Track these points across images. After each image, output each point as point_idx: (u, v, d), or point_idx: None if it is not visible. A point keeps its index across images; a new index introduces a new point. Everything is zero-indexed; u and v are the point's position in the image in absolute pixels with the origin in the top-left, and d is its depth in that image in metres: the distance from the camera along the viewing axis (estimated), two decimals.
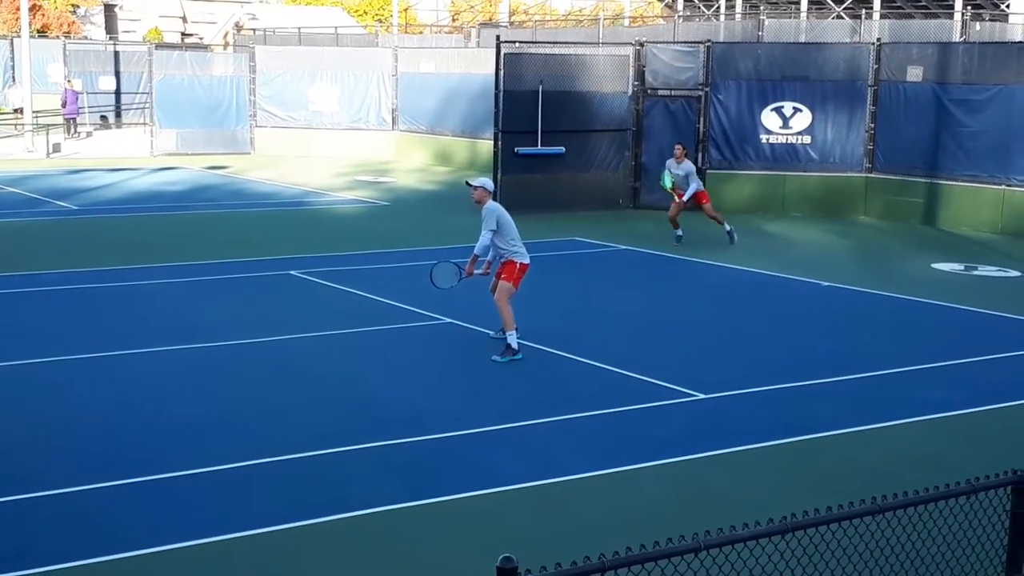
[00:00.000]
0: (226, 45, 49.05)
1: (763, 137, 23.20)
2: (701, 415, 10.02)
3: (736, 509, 7.48)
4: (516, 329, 11.65)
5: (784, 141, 23.18)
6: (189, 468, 8.31)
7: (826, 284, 15.97)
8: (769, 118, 23.13)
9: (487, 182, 12.15)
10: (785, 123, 23.08)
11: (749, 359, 11.95)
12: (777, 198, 23.39)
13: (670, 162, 19.11)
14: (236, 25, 59.37)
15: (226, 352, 11.83)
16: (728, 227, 19.12)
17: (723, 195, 23.38)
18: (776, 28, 30.50)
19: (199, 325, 12.91)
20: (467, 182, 12.27)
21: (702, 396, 10.45)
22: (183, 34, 73.54)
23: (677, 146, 19.32)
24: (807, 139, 23.06)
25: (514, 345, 11.59)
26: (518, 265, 11.80)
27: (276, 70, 33.41)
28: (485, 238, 11.70)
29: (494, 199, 12.04)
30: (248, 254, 17.51)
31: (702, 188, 19.39)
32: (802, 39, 29.12)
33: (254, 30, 50.41)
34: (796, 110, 23.02)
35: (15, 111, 36.08)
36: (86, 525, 7.31)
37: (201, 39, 67.75)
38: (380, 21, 61.57)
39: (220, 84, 33.14)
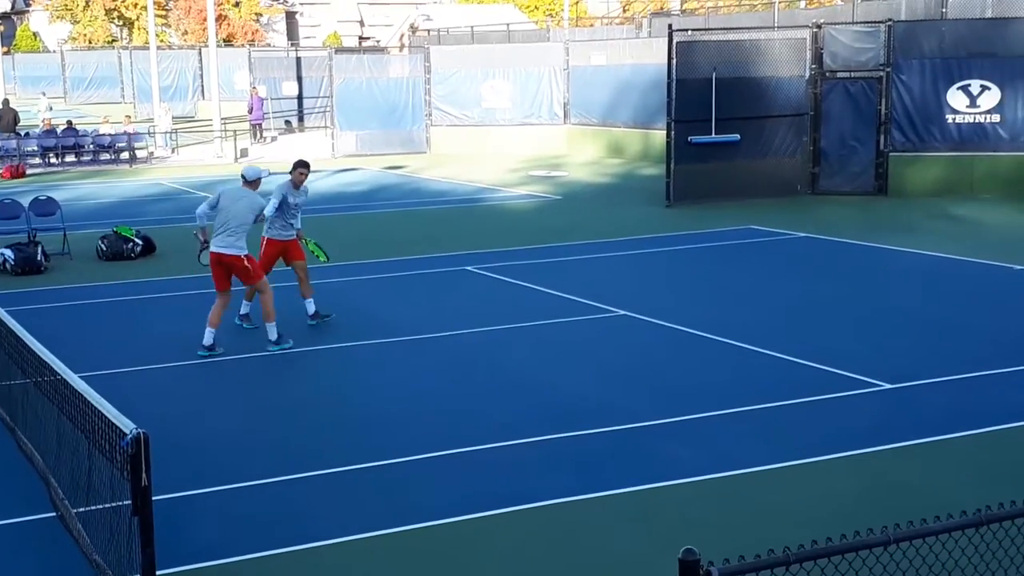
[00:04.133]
0: (402, 47, 50.10)
1: (949, 117, 22.33)
2: (888, 405, 9.72)
3: (926, 502, 7.24)
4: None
5: (972, 120, 22.26)
6: (374, 460, 8.53)
7: (1019, 268, 15.27)
8: (955, 97, 22.25)
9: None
10: (973, 102, 22.16)
11: (937, 347, 11.54)
12: (965, 180, 22.48)
13: None
14: (411, 27, 60.59)
15: (407, 347, 12.09)
16: None
17: (907, 178, 22.64)
18: (961, 3, 29.25)
19: (382, 321, 13.22)
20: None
21: (888, 386, 10.14)
22: (360, 38, 75.45)
23: None
24: (996, 118, 22.09)
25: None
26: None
27: (450, 69, 33.91)
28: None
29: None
30: (426, 251, 17.84)
31: None
32: (988, 14, 27.85)
33: (428, 31, 51.35)
34: (984, 88, 22.07)
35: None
36: (283, 514, 7.58)
37: (378, 42, 69.36)
38: (551, 15, 61.81)
39: (397, 85, 33.83)
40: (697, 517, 7.45)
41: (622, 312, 13.26)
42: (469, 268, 16.23)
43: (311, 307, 12.91)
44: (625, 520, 7.42)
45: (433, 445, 8.81)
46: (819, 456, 8.44)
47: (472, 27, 45.40)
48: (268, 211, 12.17)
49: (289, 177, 12.82)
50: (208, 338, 11.57)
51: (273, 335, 11.82)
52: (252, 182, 11.99)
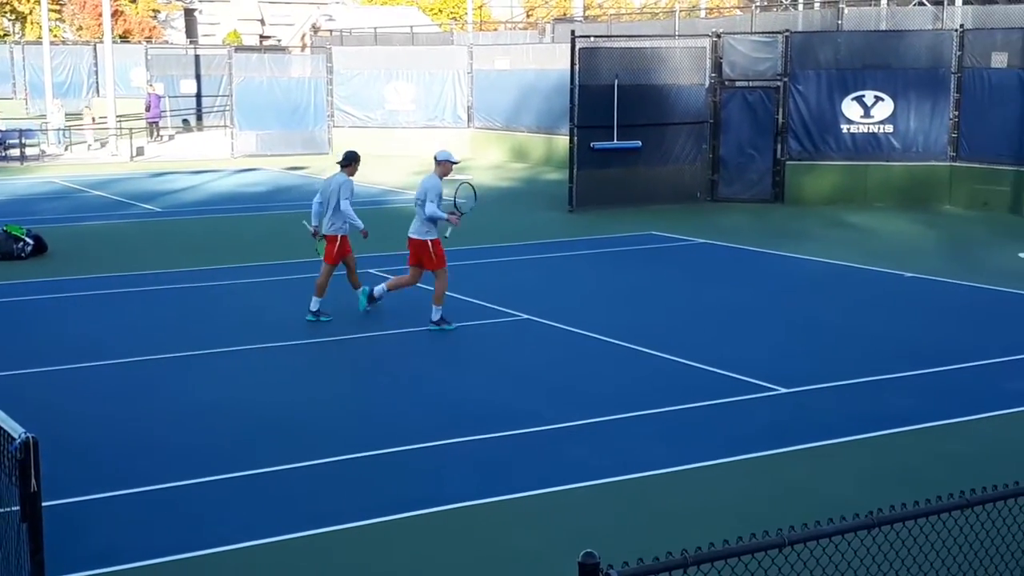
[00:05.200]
0: (303, 47, 49.62)
1: (844, 127, 22.86)
2: (784, 410, 9.90)
3: (821, 504, 7.39)
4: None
5: (866, 130, 22.82)
6: (276, 465, 8.43)
7: (909, 275, 15.69)
8: (850, 107, 22.79)
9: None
10: (867, 112, 22.73)
11: (832, 352, 11.79)
12: (859, 189, 23.04)
13: None
14: (313, 27, 60.05)
15: (308, 351, 11.97)
16: None
17: (803, 186, 23.11)
18: (856, 16, 29.98)
19: (281, 324, 13.06)
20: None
21: (784, 390, 10.33)
22: (261, 36, 74.53)
23: None
24: (889, 128, 22.68)
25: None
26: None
27: (353, 70, 33.71)
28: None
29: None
30: None
31: None
32: (883, 27, 28.59)
33: (331, 31, 50.92)
34: (878, 99, 22.65)
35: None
36: (178, 520, 7.44)
37: (279, 41, 68.61)
38: (455, 19, 61.81)
39: (298, 85, 33.51)
40: (598, 520, 7.50)
41: (525, 316, 13.30)
42: (372, 271, 16.13)
43: (371, 293, 13.20)
44: (527, 523, 7.44)
45: (335, 449, 8.73)
46: (717, 459, 8.56)
47: (375, 28, 45.14)
48: (429, 211, 12.42)
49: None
50: (435, 314, 12.50)
51: (435, 316, 12.56)
52: (439, 163, 12.65)
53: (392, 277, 13.56)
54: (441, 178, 12.68)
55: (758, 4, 37.05)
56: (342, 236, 12.94)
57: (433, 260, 12.50)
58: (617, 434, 9.21)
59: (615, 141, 22.34)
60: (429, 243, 12.45)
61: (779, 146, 23.09)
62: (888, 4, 31.50)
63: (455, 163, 12.85)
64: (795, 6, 36.26)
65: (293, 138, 33.37)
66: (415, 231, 12.59)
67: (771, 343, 12.23)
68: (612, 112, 22.19)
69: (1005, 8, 31.27)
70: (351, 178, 13.08)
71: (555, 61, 29.71)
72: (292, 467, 8.42)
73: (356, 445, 8.84)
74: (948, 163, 22.45)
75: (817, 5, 35.89)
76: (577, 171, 22.27)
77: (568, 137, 22.99)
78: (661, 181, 23.03)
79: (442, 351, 12.01)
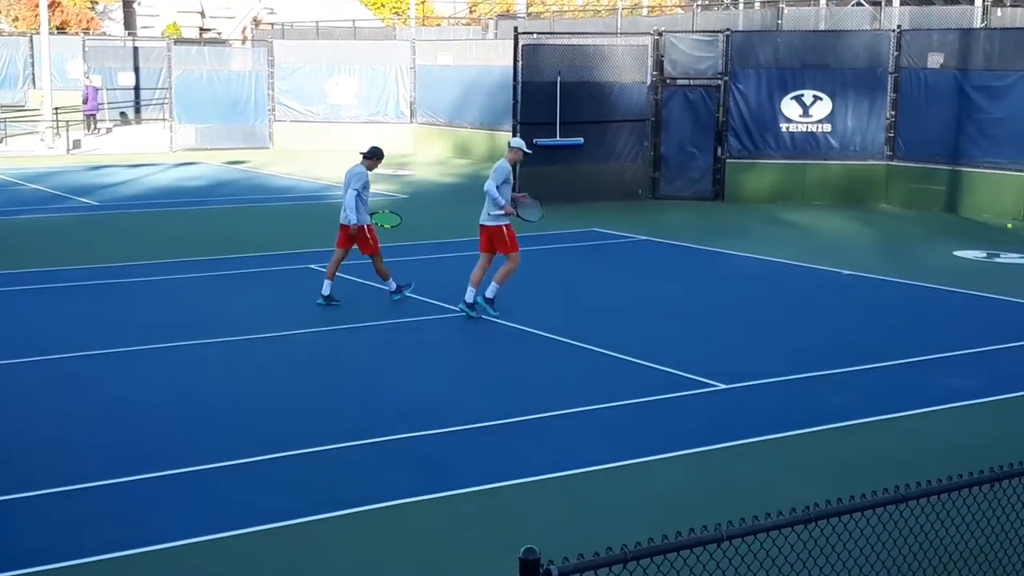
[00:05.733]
0: (244, 40, 49.14)
1: (783, 126, 23.10)
2: (723, 405, 9.99)
3: (759, 499, 7.47)
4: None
5: (804, 130, 23.07)
6: (209, 463, 8.34)
7: (847, 273, 15.90)
8: (789, 107, 23.03)
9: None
10: (805, 111, 22.98)
11: (770, 349, 11.92)
12: (798, 187, 23.30)
13: None
14: (254, 20, 59.48)
15: (246, 347, 11.87)
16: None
17: (743, 184, 23.33)
18: (796, 16, 30.33)
19: (220, 320, 12.95)
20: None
21: (723, 386, 10.43)
22: (201, 29, 73.67)
23: None
24: (827, 127, 22.95)
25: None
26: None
27: (294, 64, 33.48)
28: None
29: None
30: (268, 248, 17.55)
31: None
32: (822, 27, 28.94)
33: (272, 24, 50.54)
34: (816, 98, 22.91)
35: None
36: (103, 520, 7.34)
37: (219, 34, 67.89)
38: (397, 14, 61.58)
39: (239, 79, 33.21)
40: (539, 516, 7.51)
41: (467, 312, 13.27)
42: (313, 266, 16.03)
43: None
44: (467, 520, 7.43)
45: (273, 446, 8.66)
46: (657, 455, 8.61)
47: (317, 22, 44.86)
48: (492, 193, 12.83)
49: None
50: (490, 291, 12.99)
51: (491, 292, 13.07)
52: (512, 150, 13.25)
53: (483, 274, 13.25)
54: (512, 164, 13.16)
55: (699, 3, 37.32)
56: (367, 226, 13.44)
57: (507, 244, 12.96)
58: (558, 430, 9.23)
59: (558, 138, 22.39)
60: (504, 228, 12.92)
61: (720, 144, 23.28)
62: (827, 4, 31.88)
63: (528, 152, 13.45)
64: (735, 5, 36.57)
65: (233, 132, 33.07)
66: (487, 218, 12.97)
67: (711, 340, 12.33)
68: (555, 109, 22.23)
69: (941, 9, 31.78)
70: (368, 172, 13.58)
71: (498, 57, 29.72)
72: (224, 465, 8.33)
73: (291, 442, 8.77)
74: (885, 162, 22.77)
75: (757, 5, 36.23)
76: (520, 167, 22.25)
77: (511, 134, 22.99)
78: (603, 178, 23.12)
79: (383, 347, 11.97)
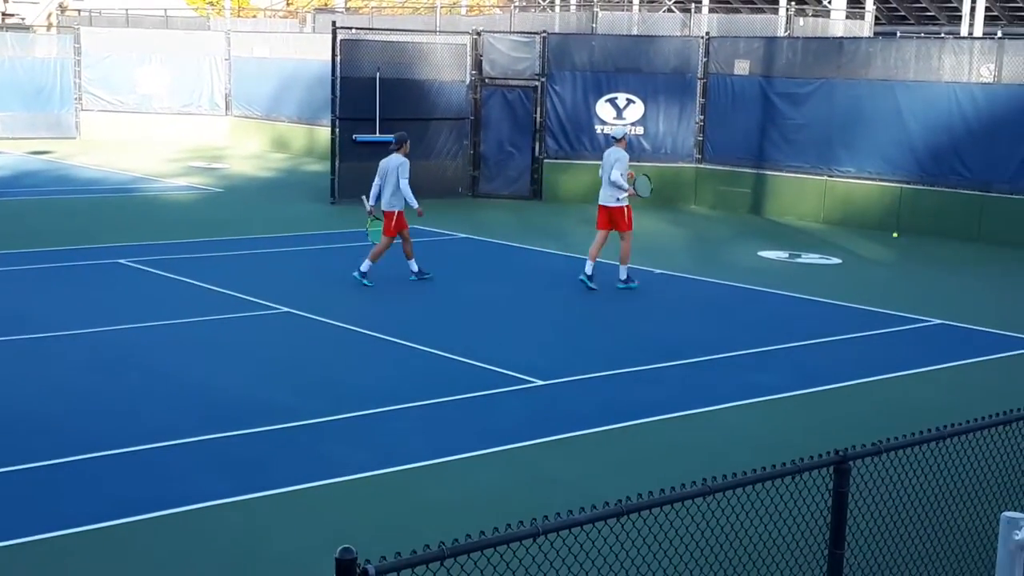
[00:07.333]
0: (50, 26, 47.13)
1: (598, 127, 23.56)
2: (539, 401, 10.14)
3: (574, 494, 7.61)
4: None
5: None
6: (14, 464, 8.00)
7: (658, 272, 16.34)
8: (604, 109, 23.51)
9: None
10: (619, 114, 23.50)
11: (584, 346, 12.16)
12: None
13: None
14: (60, 6, 57.11)
15: (50, 344, 11.41)
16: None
17: (560, 184, 23.69)
18: (610, 20, 31.01)
19: (23, 316, 12.41)
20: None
21: (540, 383, 10.58)
22: (3, 14, 70.31)
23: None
24: (640, 130, 23.52)
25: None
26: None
27: (102, 52, 32.35)
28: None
29: None
30: (75, 242, 16.91)
31: None
32: (635, 32, 29.68)
33: (79, 11, 48.63)
34: (629, 101, 23.45)
35: None
36: None
37: (23, 20, 64.93)
38: (212, 4, 60.12)
39: (43, 66, 31.90)
40: (357, 515, 7.48)
41: (284, 309, 13.11)
42: (122, 261, 15.53)
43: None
44: (283, 521, 7.34)
45: (80, 448, 8.36)
46: (475, 451, 8.69)
47: (127, 10, 43.39)
48: (615, 179, 14.51)
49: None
50: (623, 272, 14.71)
51: (623, 275, 14.73)
52: (620, 139, 14.96)
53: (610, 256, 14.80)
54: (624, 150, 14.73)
55: (517, 4, 37.71)
56: (399, 212, 14.57)
57: (625, 223, 14.56)
58: (376, 428, 9.21)
59: (377, 134, 22.27)
60: (625, 209, 14.58)
61: (537, 144, 23.60)
62: (640, 9, 32.70)
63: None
64: (552, 7, 37.12)
65: (37, 121, 31.76)
66: (606, 199, 14.66)
67: (529, 337, 12.50)
68: (374, 105, 22.13)
69: (748, 18, 33.02)
70: (406, 158, 14.56)
71: (316, 51, 29.38)
72: (31, 467, 8.01)
73: (101, 443, 8.49)
74: (694, 165, 23.49)
75: (573, 7, 36.87)
76: (340, 163, 22.10)
77: (330, 128, 22.78)
78: (423, 176, 22.99)
79: (197, 345, 11.69)
